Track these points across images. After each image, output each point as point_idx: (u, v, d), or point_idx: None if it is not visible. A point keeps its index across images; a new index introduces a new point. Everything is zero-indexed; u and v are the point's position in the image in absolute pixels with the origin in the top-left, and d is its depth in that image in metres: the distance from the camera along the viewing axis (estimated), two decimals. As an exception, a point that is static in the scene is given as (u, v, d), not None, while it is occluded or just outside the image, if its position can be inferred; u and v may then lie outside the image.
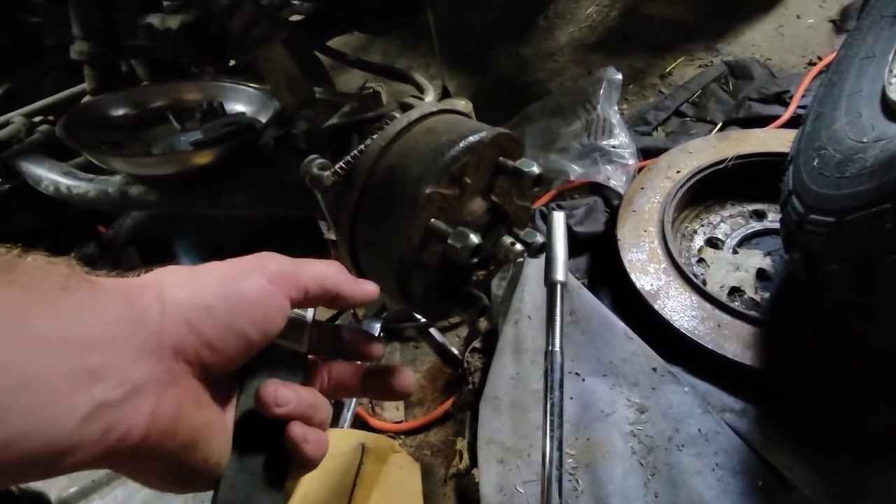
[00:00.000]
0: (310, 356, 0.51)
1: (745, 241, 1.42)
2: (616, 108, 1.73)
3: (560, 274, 1.11)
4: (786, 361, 1.11)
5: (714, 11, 2.18)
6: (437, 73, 2.05)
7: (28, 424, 0.30)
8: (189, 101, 1.11)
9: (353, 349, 0.54)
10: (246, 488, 0.43)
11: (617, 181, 1.56)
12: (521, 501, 1.04)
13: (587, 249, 1.48)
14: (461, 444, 1.18)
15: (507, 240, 0.71)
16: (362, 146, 0.72)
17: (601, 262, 1.44)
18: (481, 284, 0.85)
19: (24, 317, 0.31)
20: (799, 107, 1.69)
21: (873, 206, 0.82)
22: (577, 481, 1.05)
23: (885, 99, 0.97)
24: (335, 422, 1.23)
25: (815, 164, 1.00)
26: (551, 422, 0.97)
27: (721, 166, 1.47)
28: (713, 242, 1.42)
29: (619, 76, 1.77)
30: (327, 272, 0.47)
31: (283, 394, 0.42)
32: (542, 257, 1.17)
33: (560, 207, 1.54)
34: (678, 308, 1.22)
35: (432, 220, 0.65)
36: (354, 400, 1.22)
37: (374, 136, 0.72)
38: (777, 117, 1.68)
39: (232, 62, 1.27)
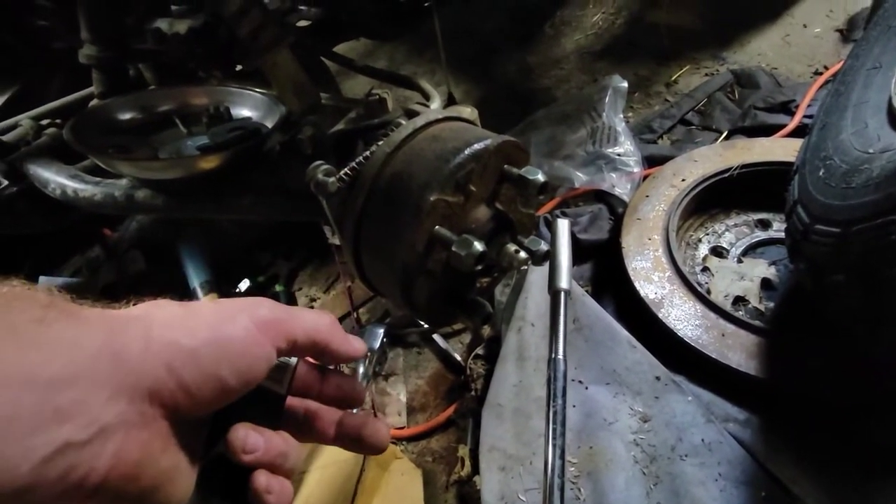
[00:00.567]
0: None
1: (749, 251, 1.42)
2: (621, 115, 1.73)
3: (564, 282, 1.11)
4: (790, 371, 1.11)
5: (720, 20, 2.18)
6: (443, 79, 2.06)
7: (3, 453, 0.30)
8: (196, 106, 1.11)
9: (336, 394, 0.53)
10: None
11: (622, 189, 1.56)
12: (523, 510, 1.04)
13: (591, 257, 1.48)
14: (463, 450, 1.18)
15: (512, 247, 0.71)
16: (367, 153, 0.72)
17: (605, 270, 1.44)
18: (485, 292, 0.85)
19: (19, 353, 0.31)
20: (805, 116, 1.68)
21: (879, 218, 0.82)
22: (580, 490, 1.05)
23: (891, 110, 0.97)
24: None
25: (820, 174, 1.00)
26: (554, 430, 0.97)
27: (726, 175, 1.46)
28: (718, 251, 1.42)
29: (625, 84, 1.77)
30: (320, 325, 0.46)
31: (253, 440, 0.42)
32: (546, 264, 1.16)
33: (564, 215, 1.54)
34: (682, 317, 1.22)
35: (437, 227, 0.65)
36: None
37: (380, 143, 0.72)
38: (783, 126, 1.67)
39: (239, 67, 1.28)
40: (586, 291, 1.36)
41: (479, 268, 0.63)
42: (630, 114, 1.94)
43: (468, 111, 0.86)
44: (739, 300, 1.31)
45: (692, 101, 1.89)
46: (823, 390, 1.08)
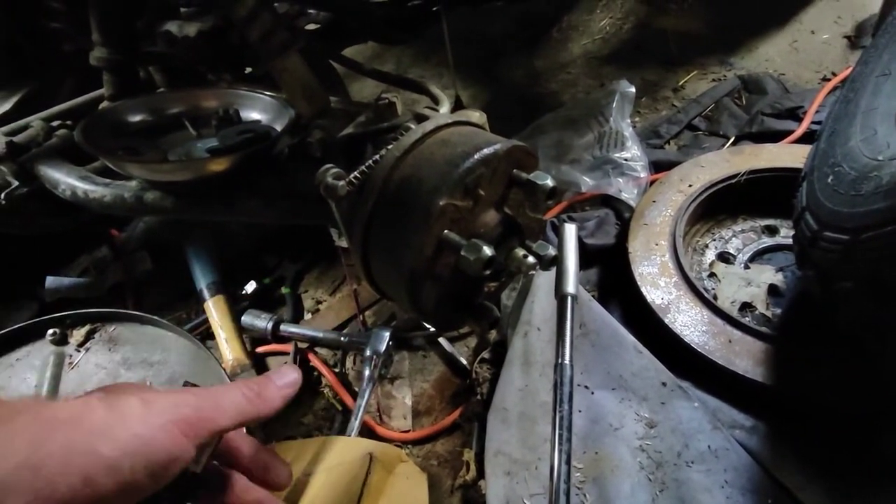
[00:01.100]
0: None
1: (756, 257, 1.41)
2: (629, 120, 1.73)
3: (571, 286, 1.11)
4: (798, 379, 1.10)
5: (728, 25, 2.18)
6: (450, 83, 2.06)
7: None
8: (205, 109, 1.12)
9: (260, 473, 0.55)
10: None
11: (629, 194, 1.56)
12: (528, 514, 1.04)
13: (598, 262, 1.48)
14: (468, 454, 1.18)
15: (520, 252, 0.71)
16: (377, 157, 0.72)
17: (612, 275, 1.44)
18: (492, 296, 0.85)
19: None
20: (813, 122, 1.68)
21: (889, 225, 0.82)
22: (585, 495, 1.05)
23: (901, 117, 0.97)
24: (343, 431, 1.23)
25: (829, 180, 1.00)
26: (560, 435, 0.97)
27: (734, 181, 1.46)
28: (725, 257, 1.42)
29: (633, 89, 1.77)
30: (244, 406, 0.48)
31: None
32: (553, 269, 1.16)
33: (571, 219, 1.54)
34: (689, 322, 1.22)
35: (445, 231, 0.66)
36: (362, 408, 1.22)
37: (389, 147, 0.72)
38: (790, 132, 1.67)
39: (248, 70, 1.29)
40: (592, 296, 1.36)
41: (488, 272, 0.64)
42: (637, 119, 1.94)
43: (477, 115, 0.87)
44: (746, 306, 1.31)
45: (699, 107, 1.89)
46: (831, 398, 1.08)
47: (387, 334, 1.34)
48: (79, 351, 1.12)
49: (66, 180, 1.05)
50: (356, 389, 1.37)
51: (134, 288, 1.70)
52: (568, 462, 0.94)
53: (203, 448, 0.47)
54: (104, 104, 1.18)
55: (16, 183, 1.09)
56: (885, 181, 0.86)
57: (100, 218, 1.22)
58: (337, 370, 1.43)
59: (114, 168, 0.99)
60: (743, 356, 1.14)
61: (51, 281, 1.64)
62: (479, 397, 1.26)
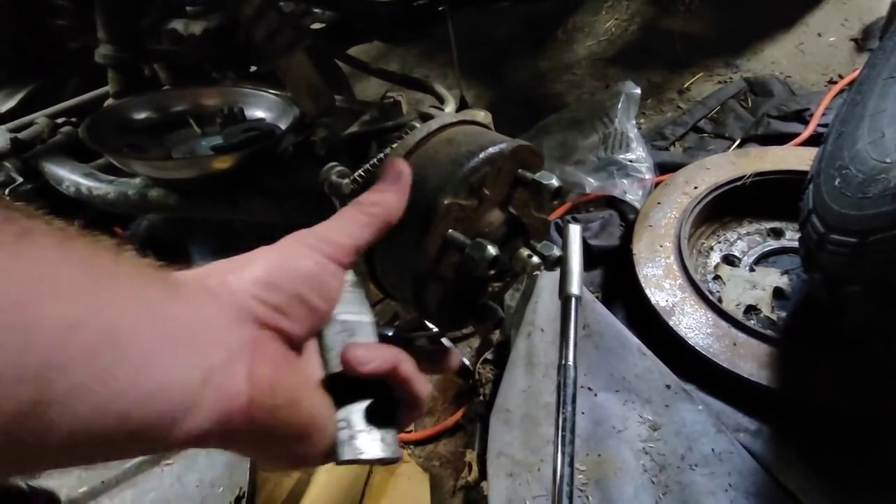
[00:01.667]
0: None
1: (762, 259, 1.40)
2: (634, 122, 1.73)
3: (575, 287, 1.11)
4: (803, 382, 1.10)
5: (734, 28, 2.17)
6: (455, 83, 2.06)
7: (162, 380, 0.32)
8: (210, 107, 1.12)
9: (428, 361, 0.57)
10: (365, 439, 0.45)
11: (633, 195, 1.56)
12: (531, 516, 1.03)
13: (602, 263, 1.47)
14: (471, 455, 1.18)
15: (525, 252, 0.71)
16: (381, 155, 0.72)
17: (616, 277, 1.43)
18: (496, 296, 0.85)
19: (145, 288, 0.34)
20: (819, 125, 1.67)
21: (896, 228, 0.81)
22: (588, 498, 1.04)
23: (908, 119, 0.96)
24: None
25: (836, 183, 0.99)
26: (563, 437, 0.96)
27: (739, 183, 1.45)
28: (730, 260, 1.41)
29: (638, 90, 1.76)
30: (362, 220, 0.50)
31: (363, 352, 0.45)
32: (557, 270, 1.16)
33: (575, 220, 1.54)
34: (693, 325, 1.21)
35: (450, 230, 0.65)
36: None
37: (394, 146, 0.72)
38: (796, 135, 1.66)
39: (253, 68, 1.29)
40: (596, 298, 1.35)
41: (493, 272, 0.63)
42: (642, 120, 1.94)
43: (482, 115, 0.86)
44: (751, 309, 1.30)
45: (705, 109, 1.88)
46: (836, 401, 1.07)
47: (389, 334, 1.33)
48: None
49: (70, 177, 1.06)
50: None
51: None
52: (571, 464, 0.94)
53: (358, 298, 0.51)
54: (109, 101, 1.18)
55: (20, 179, 1.09)
56: (892, 184, 0.85)
57: (103, 216, 1.22)
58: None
59: (118, 165, 1.00)
60: (747, 359, 1.14)
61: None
62: (481, 398, 1.25)
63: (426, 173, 0.66)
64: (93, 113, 1.08)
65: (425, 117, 0.82)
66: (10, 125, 1.17)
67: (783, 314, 1.28)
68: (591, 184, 1.60)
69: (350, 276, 0.52)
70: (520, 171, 0.71)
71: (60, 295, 0.29)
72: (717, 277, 1.38)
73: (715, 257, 1.43)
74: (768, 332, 1.19)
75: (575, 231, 1.19)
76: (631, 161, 1.61)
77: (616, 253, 1.46)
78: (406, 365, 0.46)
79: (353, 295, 0.52)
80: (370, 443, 0.47)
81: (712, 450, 1.06)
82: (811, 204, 1.06)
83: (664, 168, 1.65)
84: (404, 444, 1.26)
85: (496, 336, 1.35)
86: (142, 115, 1.11)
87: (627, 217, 1.53)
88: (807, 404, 1.09)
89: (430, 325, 1.44)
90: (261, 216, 0.98)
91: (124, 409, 0.30)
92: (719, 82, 2.02)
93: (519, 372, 1.21)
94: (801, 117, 1.73)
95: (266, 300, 0.40)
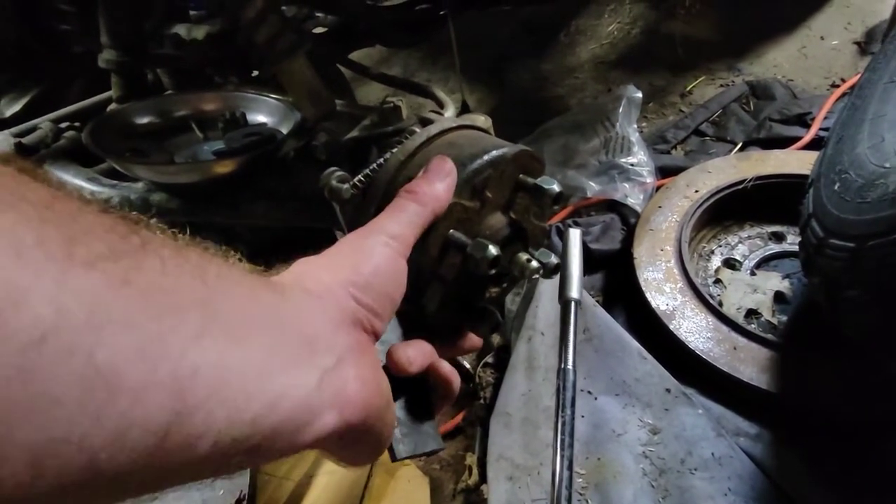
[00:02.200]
0: None
1: (763, 263, 1.40)
2: (635, 125, 1.73)
3: (575, 291, 1.11)
4: (803, 387, 1.10)
5: (736, 31, 2.17)
6: (457, 87, 2.06)
7: (284, 383, 0.33)
8: (212, 111, 1.13)
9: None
10: (414, 434, 0.48)
11: (634, 199, 1.56)
12: (530, 520, 1.03)
13: (602, 267, 1.47)
14: (471, 459, 1.18)
15: (524, 256, 0.71)
16: (381, 160, 0.72)
17: (616, 280, 1.43)
18: (495, 301, 0.85)
19: (255, 293, 0.35)
20: (821, 129, 1.67)
21: (895, 233, 0.81)
22: (587, 501, 1.04)
23: (908, 124, 0.96)
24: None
25: (836, 187, 0.99)
26: (562, 440, 0.97)
27: (740, 187, 1.45)
28: (731, 263, 1.41)
29: (639, 94, 1.76)
30: (421, 213, 0.52)
31: (412, 353, 0.48)
32: (557, 275, 1.16)
33: (576, 224, 1.54)
34: (693, 329, 1.21)
35: (451, 230, 0.66)
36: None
37: (394, 151, 0.72)
38: (798, 139, 1.66)
39: (255, 73, 1.30)
40: (597, 302, 1.35)
41: (493, 272, 0.64)
42: (644, 124, 1.94)
43: (482, 120, 0.87)
44: (752, 313, 1.30)
45: (707, 112, 1.88)
46: (836, 406, 1.07)
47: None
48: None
49: (73, 181, 1.06)
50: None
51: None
52: (570, 468, 0.94)
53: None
54: (112, 106, 1.19)
55: (24, 183, 1.10)
56: (891, 188, 0.85)
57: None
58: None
59: (121, 170, 1.00)
60: (748, 363, 1.14)
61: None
62: (481, 401, 1.26)
63: (427, 177, 0.66)
64: (96, 117, 1.09)
65: (425, 122, 0.82)
66: (14, 130, 1.18)
67: (784, 318, 1.28)
68: (593, 187, 1.60)
69: None
70: (521, 176, 0.71)
71: (182, 306, 0.29)
72: (717, 281, 1.38)
73: (716, 261, 1.43)
74: (769, 336, 1.19)
75: (575, 235, 1.20)
76: (632, 165, 1.61)
77: (617, 257, 1.46)
78: (442, 362, 0.50)
79: None
80: (421, 437, 0.49)
81: (712, 454, 1.06)
82: (811, 208, 1.06)
83: (665, 172, 1.65)
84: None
85: (496, 340, 1.36)
86: (144, 120, 1.12)
87: (629, 221, 1.54)
88: (807, 409, 1.09)
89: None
90: (262, 220, 0.99)
91: (255, 414, 0.31)
92: (721, 86, 2.02)
93: (519, 376, 1.21)
94: (804, 121, 1.73)
95: (363, 301, 0.41)
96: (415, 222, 0.51)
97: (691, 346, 1.18)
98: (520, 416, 1.16)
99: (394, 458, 0.46)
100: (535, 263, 0.71)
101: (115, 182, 1.06)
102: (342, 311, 0.40)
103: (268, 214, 0.96)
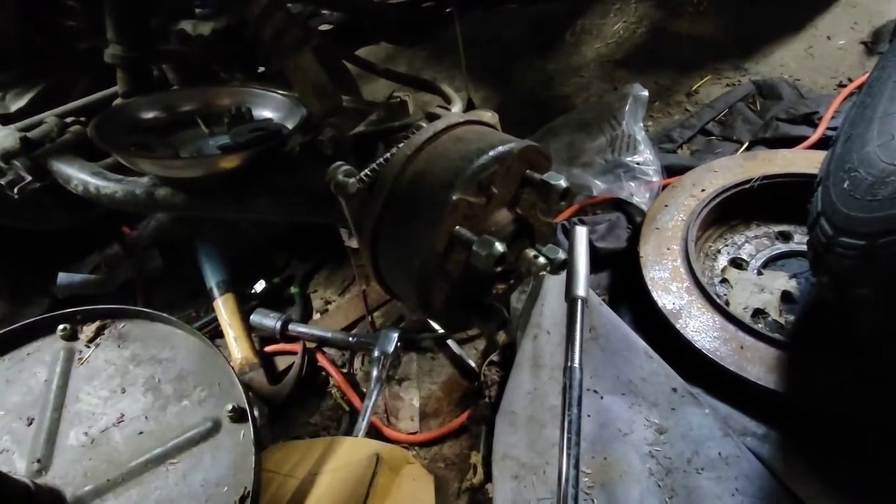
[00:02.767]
0: None
1: (769, 263, 1.40)
2: (641, 124, 1.72)
3: (581, 289, 1.11)
4: (811, 387, 1.09)
5: (743, 31, 2.16)
6: (462, 85, 2.06)
7: None
8: (218, 106, 1.12)
9: None
10: None
11: (640, 198, 1.55)
12: (535, 519, 1.03)
13: (608, 265, 1.47)
14: (476, 457, 1.17)
15: (531, 253, 0.71)
16: (388, 154, 0.72)
17: (622, 279, 1.43)
18: (501, 298, 0.85)
19: None
20: (828, 128, 1.66)
21: (906, 231, 0.80)
22: (593, 501, 1.04)
23: (919, 122, 0.95)
24: (350, 431, 1.23)
25: (845, 186, 0.98)
26: (568, 439, 0.96)
27: (747, 186, 1.45)
28: (737, 263, 1.40)
29: (646, 92, 1.76)
30: None
31: None
32: (564, 272, 1.16)
33: (582, 223, 1.53)
34: (700, 328, 1.20)
35: (457, 227, 0.65)
36: (369, 409, 1.22)
37: (400, 145, 0.72)
38: (805, 138, 1.65)
39: (260, 69, 1.29)
40: (603, 300, 1.34)
41: (499, 269, 0.63)
42: (649, 123, 1.93)
43: (489, 115, 0.86)
44: (759, 313, 1.29)
45: (713, 112, 1.88)
46: (844, 406, 1.06)
47: (395, 335, 1.33)
48: (88, 347, 1.12)
49: (78, 176, 1.06)
50: (364, 390, 1.37)
51: (144, 285, 1.70)
52: (576, 467, 0.93)
53: None
54: (117, 101, 1.19)
55: (29, 178, 1.10)
56: (903, 186, 0.85)
57: (111, 215, 1.22)
58: (345, 370, 1.42)
59: (126, 164, 1.00)
60: (755, 363, 1.13)
61: (62, 278, 1.65)
62: (487, 400, 1.25)
63: (435, 169, 0.66)
64: (101, 112, 1.08)
65: (432, 117, 0.82)
66: (20, 124, 1.18)
67: (791, 318, 1.27)
68: (598, 186, 1.59)
69: None
70: (527, 171, 0.71)
71: None
72: (724, 281, 1.37)
73: (722, 260, 1.42)
74: (776, 335, 1.18)
75: (582, 233, 1.19)
76: (638, 163, 1.60)
77: (623, 255, 1.46)
78: None
79: None
80: None
81: (719, 454, 1.05)
82: (820, 207, 1.05)
83: (671, 171, 1.64)
84: (409, 445, 1.26)
85: (502, 338, 1.35)
86: (150, 115, 1.11)
87: (634, 220, 1.53)
88: (815, 409, 1.08)
89: (435, 326, 1.44)
90: (267, 215, 0.98)
91: None
92: (727, 85, 2.01)
93: (525, 374, 1.21)
94: (810, 120, 1.72)
95: None
96: None
97: (698, 345, 1.18)
98: (525, 415, 1.15)
99: None
100: (542, 259, 0.71)
101: (120, 177, 1.05)
102: None
103: (273, 210, 0.96)
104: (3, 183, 1.09)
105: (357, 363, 1.45)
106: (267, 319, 1.46)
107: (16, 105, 1.35)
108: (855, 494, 1.00)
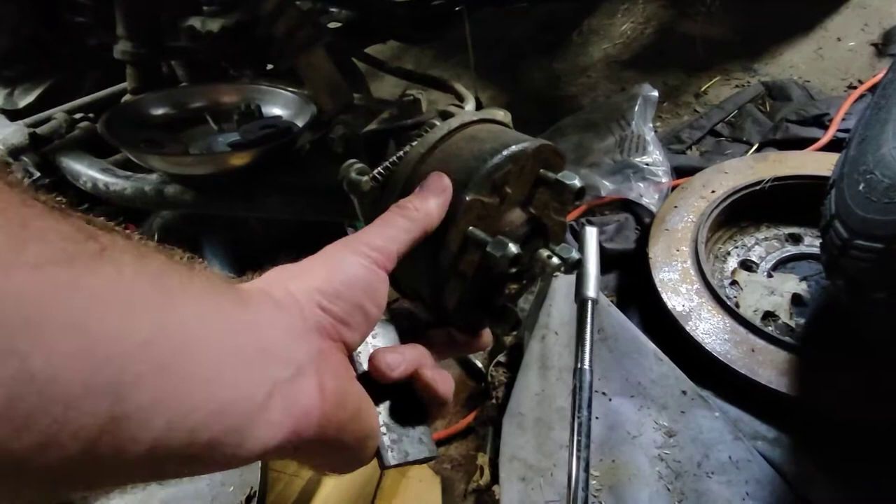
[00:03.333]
0: None
1: (780, 265, 1.39)
2: (650, 125, 1.71)
3: (592, 290, 1.10)
4: (823, 391, 1.08)
5: (752, 31, 2.15)
6: (469, 84, 2.05)
7: (230, 395, 0.32)
8: (227, 104, 1.12)
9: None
10: (405, 441, 0.47)
11: (649, 199, 1.54)
12: (544, 521, 1.02)
13: (616, 267, 1.46)
14: (482, 459, 1.16)
15: (544, 253, 0.70)
16: (402, 152, 0.71)
17: (631, 281, 1.42)
18: (512, 299, 0.84)
19: (216, 302, 0.34)
20: (839, 130, 1.65)
21: (924, 234, 0.79)
22: (602, 504, 1.03)
23: (935, 124, 0.94)
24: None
25: (860, 188, 0.97)
26: (578, 441, 0.95)
27: (757, 188, 1.44)
28: (747, 265, 1.39)
29: (655, 93, 1.75)
30: (410, 227, 0.51)
31: (392, 358, 0.46)
32: (572, 272, 1.15)
33: (590, 223, 1.52)
34: (710, 330, 1.20)
35: (471, 227, 0.64)
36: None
37: (414, 143, 0.71)
38: (816, 140, 1.64)
39: (269, 66, 1.29)
40: (611, 301, 1.34)
41: (513, 271, 0.62)
42: (658, 124, 1.92)
43: (501, 114, 0.85)
44: (769, 315, 1.28)
45: (722, 113, 1.86)
46: (857, 411, 1.05)
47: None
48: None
49: (87, 172, 1.06)
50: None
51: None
52: (587, 469, 0.92)
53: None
54: (126, 97, 1.18)
55: (38, 174, 1.09)
56: (920, 189, 0.84)
57: (116, 213, 1.22)
58: (351, 370, 1.42)
59: (135, 160, 0.99)
60: (766, 366, 1.12)
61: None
62: (494, 401, 1.24)
63: (449, 169, 0.65)
64: (111, 108, 1.08)
65: (445, 115, 0.81)
66: (29, 120, 1.18)
67: (802, 321, 1.26)
68: (607, 187, 1.58)
69: None
70: (542, 171, 0.70)
71: (135, 312, 0.29)
72: (734, 283, 1.36)
73: (732, 262, 1.41)
74: (787, 338, 1.17)
75: (592, 233, 1.18)
76: (647, 164, 1.59)
77: (631, 257, 1.45)
78: (427, 369, 0.48)
79: None
80: (412, 444, 0.48)
81: (729, 457, 1.04)
82: (834, 209, 1.04)
83: (680, 172, 1.63)
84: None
85: (509, 339, 1.34)
86: (159, 112, 1.11)
87: (643, 221, 1.52)
88: (827, 412, 1.07)
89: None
90: (276, 213, 0.98)
91: (195, 425, 0.30)
92: (737, 86, 2.00)
93: (532, 375, 1.20)
94: (821, 122, 1.71)
95: (330, 310, 0.40)
96: (401, 238, 0.50)
97: (708, 347, 1.17)
98: (533, 417, 1.14)
99: (382, 467, 0.45)
100: (556, 260, 0.70)
101: (129, 173, 1.05)
102: (305, 320, 0.39)
103: (282, 208, 0.95)
104: (11, 179, 1.08)
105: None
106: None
107: (24, 101, 1.34)
108: (868, 499, 0.99)
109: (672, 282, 1.30)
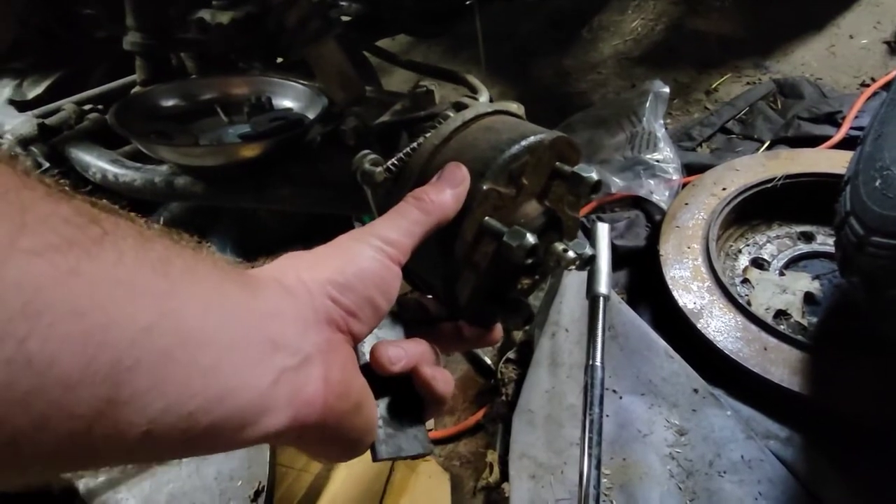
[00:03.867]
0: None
1: (791, 263, 1.37)
2: (661, 121, 1.70)
3: (603, 287, 1.09)
4: (836, 389, 1.07)
5: (764, 28, 2.14)
6: (479, 79, 2.04)
7: (232, 382, 0.32)
8: (237, 95, 1.11)
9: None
10: (399, 436, 0.47)
11: (660, 196, 1.53)
12: (553, 519, 1.01)
13: (627, 264, 1.45)
14: (492, 456, 1.16)
15: (560, 246, 0.69)
16: (416, 143, 0.70)
17: (641, 278, 1.41)
18: (525, 294, 0.83)
19: (222, 289, 0.34)
20: (852, 128, 1.63)
21: (945, 231, 0.78)
22: (612, 502, 1.02)
23: (955, 120, 0.93)
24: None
25: (877, 184, 0.96)
26: (590, 439, 0.94)
27: (769, 185, 1.42)
28: (759, 263, 1.38)
29: (667, 89, 1.73)
30: (423, 219, 0.51)
31: (393, 352, 0.46)
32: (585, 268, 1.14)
33: (601, 220, 1.51)
34: (722, 328, 1.18)
35: (486, 218, 0.63)
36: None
37: (428, 135, 0.70)
38: (828, 137, 1.63)
39: (279, 59, 1.28)
40: (622, 299, 1.33)
41: (529, 261, 0.61)
42: (669, 121, 1.90)
43: (515, 106, 0.84)
44: (781, 314, 1.27)
45: (733, 110, 1.85)
46: (869, 409, 1.04)
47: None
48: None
49: (96, 163, 1.05)
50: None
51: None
52: (598, 467, 0.92)
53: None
54: (136, 89, 1.18)
55: (47, 165, 1.09)
56: (940, 185, 0.82)
57: (128, 204, 1.21)
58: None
59: (145, 151, 0.99)
60: (779, 364, 1.11)
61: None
62: (503, 398, 1.23)
63: (465, 159, 0.64)
64: (121, 99, 1.07)
65: (459, 107, 0.80)
66: (37, 111, 1.17)
67: (814, 320, 1.25)
68: (617, 183, 1.57)
69: None
70: (557, 163, 0.69)
71: (135, 298, 0.29)
72: (745, 281, 1.35)
73: (743, 260, 1.40)
74: (799, 337, 1.16)
75: (603, 230, 1.17)
76: (658, 161, 1.58)
77: (642, 254, 1.44)
78: (427, 366, 0.48)
79: None
80: (407, 440, 0.48)
81: (741, 456, 1.03)
82: (849, 206, 1.02)
83: (691, 169, 1.62)
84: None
85: (519, 335, 1.33)
86: (169, 103, 1.10)
87: (653, 218, 1.51)
88: (839, 411, 1.06)
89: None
90: (287, 205, 0.97)
91: (193, 411, 0.30)
92: (748, 83, 1.98)
93: (542, 372, 1.19)
94: (833, 120, 1.69)
95: (341, 302, 0.40)
96: (415, 231, 0.49)
97: (720, 345, 1.16)
98: (543, 414, 1.13)
99: (374, 459, 0.45)
100: (571, 254, 0.69)
101: (139, 165, 1.04)
102: (315, 310, 0.39)
103: (293, 200, 0.94)
104: (20, 169, 1.08)
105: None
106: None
107: (33, 92, 1.34)
108: (882, 499, 0.98)
109: (683, 279, 1.28)
